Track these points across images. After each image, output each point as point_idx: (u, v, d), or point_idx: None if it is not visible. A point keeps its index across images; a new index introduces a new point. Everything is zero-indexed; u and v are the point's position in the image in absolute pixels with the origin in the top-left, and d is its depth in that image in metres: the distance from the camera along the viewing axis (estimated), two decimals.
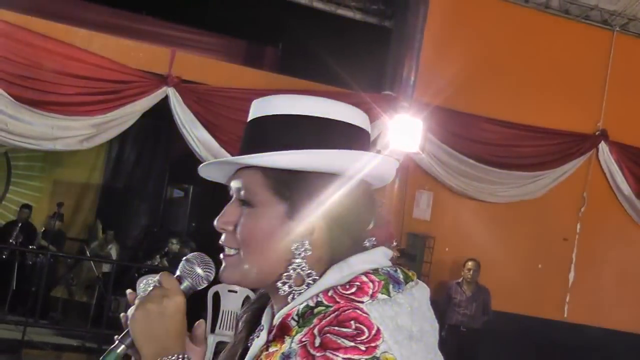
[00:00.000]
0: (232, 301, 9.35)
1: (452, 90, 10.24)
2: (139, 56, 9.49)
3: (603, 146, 11.16)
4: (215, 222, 1.42)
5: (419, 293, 1.34)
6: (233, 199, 1.43)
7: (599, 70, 11.28)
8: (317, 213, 1.35)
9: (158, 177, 14.05)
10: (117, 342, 1.39)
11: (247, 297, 9.11)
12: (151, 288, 1.38)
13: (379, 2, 10.83)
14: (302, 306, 1.32)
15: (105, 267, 11.93)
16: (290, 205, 1.36)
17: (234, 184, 1.43)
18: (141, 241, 13.35)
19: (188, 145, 9.44)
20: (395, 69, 10.10)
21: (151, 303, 1.36)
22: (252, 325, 1.50)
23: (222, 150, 9.36)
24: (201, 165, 1.49)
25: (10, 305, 11.72)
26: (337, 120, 1.39)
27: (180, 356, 1.34)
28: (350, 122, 1.41)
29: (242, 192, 1.40)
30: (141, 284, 1.40)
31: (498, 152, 10.53)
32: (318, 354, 1.21)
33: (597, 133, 11.17)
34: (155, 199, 13.90)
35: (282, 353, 1.28)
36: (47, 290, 11.44)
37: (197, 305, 11.12)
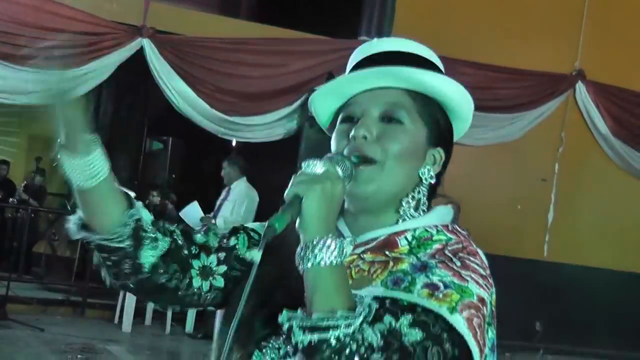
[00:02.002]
0: None
1: (428, 33, 10.18)
2: (112, 7, 9.38)
3: (580, 86, 11.19)
4: (353, 132, 1.45)
5: None
6: (367, 115, 1.47)
7: (575, 9, 11.26)
8: (444, 146, 1.51)
9: (137, 130, 13.99)
10: (283, 209, 1.34)
11: None
12: (321, 172, 1.37)
13: None
14: (419, 230, 1.43)
15: None
16: (429, 132, 1.49)
17: (370, 103, 1.48)
18: None
19: (166, 97, 9.39)
20: (371, 14, 10.06)
21: (330, 182, 1.35)
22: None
23: (200, 101, 9.30)
24: (349, 74, 1.52)
25: None
26: (441, 69, 1.57)
27: (342, 241, 1.33)
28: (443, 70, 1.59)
29: (388, 110, 1.47)
30: (309, 164, 1.38)
31: (474, 95, 10.15)
32: (463, 272, 1.33)
33: (574, 73, 11.18)
34: (134, 152, 13.86)
35: (411, 264, 1.37)
36: (29, 246, 11.45)
37: None
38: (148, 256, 1.47)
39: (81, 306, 9.93)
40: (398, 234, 1.43)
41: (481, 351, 1.29)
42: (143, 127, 13.86)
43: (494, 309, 1.37)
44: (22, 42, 8.87)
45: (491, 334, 1.36)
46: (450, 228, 1.45)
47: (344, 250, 1.32)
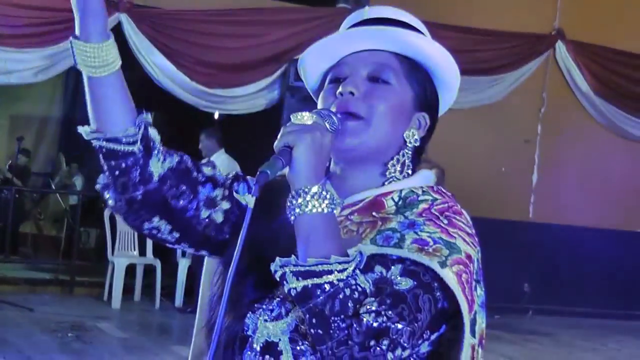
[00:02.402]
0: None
1: None
2: None
3: (560, 45, 11.19)
4: (340, 89, 1.47)
5: None
6: (355, 74, 1.49)
7: None
8: (428, 111, 1.53)
9: None
10: (274, 157, 1.35)
11: None
12: (310, 122, 1.37)
13: None
14: (405, 191, 1.45)
15: (72, 200, 11.89)
16: (416, 95, 1.51)
17: (358, 64, 1.49)
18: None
19: (145, 72, 9.33)
20: None
21: (317, 132, 1.36)
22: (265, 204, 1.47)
23: (180, 74, 9.24)
24: (339, 33, 1.53)
25: None
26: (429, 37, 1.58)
27: (328, 192, 1.33)
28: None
29: (376, 70, 1.49)
30: (297, 116, 1.38)
31: (455, 59, 10.51)
32: (451, 229, 1.36)
33: (553, 33, 11.18)
34: None
35: (399, 222, 1.39)
36: (15, 226, 11.41)
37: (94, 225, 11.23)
38: (157, 166, 1.45)
39: (69, 284, 9.93)
40: (384, 194, 1.45)
41: (470, 307, 1.31)
42: None
43: (481, 265, 1.39)
44: None
45: (480, 291, 1.38)
46: (435, 189, 1.46)
47: (335, 199, 1.33)
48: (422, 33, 1.54)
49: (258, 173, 1.32)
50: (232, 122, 10.79)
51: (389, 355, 1.23)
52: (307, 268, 1.26)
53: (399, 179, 1.49)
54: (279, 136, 1.37)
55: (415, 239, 1.33)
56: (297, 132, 1.35)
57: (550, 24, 11.21)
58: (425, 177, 1.51)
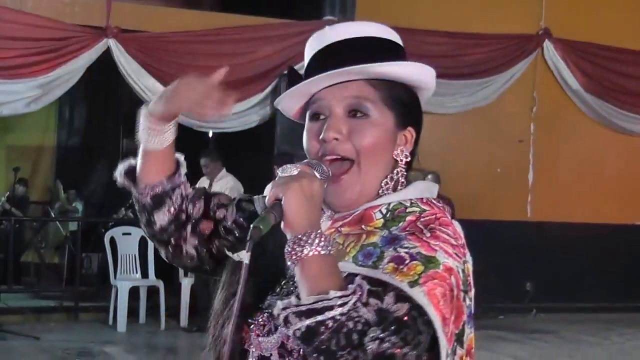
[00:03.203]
0: (129, 244, 9.48)
1: (391, 6, 10.24)
2: (74, 11, 9.34)
3: (547, 44, 11.25)
4: (323, 135, 1.49)
5: None
6: (333, 114, 1.50)
7: None
8: (412, 125, 1.54)
9: (112, 131, 13.96)
10: (266, 211, 1.40)
11: (142, 238, 9.25)
12: (296, 172, 1.42)
13: None
14: (393, 203, 1.46)
15: (72, 226, 11.91)
16: (396, 116, 1.51)
17: (334, 99, 1.50)
18: (103, 197, 13.33)
19: (137, 95, 9.39)
20: None
21: (306, 181, 1.40)
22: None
23: None
24: (308, 80, 1.53)
25: None
26: (400, 45, 1.57)
27: (322, 236, 1.37)
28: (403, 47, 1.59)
29: (353, 104, 1.49)
30: (285, 169, 1.44)
31: (444, 64, 10.53)
32: (433, 242, 1.37)
33: (540, 32, 11.24)
34: (112, 153, 13.83)
35: (382, 236, 1.41)
36: (17, 256, 11.43)
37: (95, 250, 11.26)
38: (160, 218, 1.61)
39: (74, 311, 9.95)
40: (373, 207, 1.47)
41: (444, 319, 1.31)
42: (118, 127, 13.83)
43: (469, 278, 1.40)
44: None
45: (468, 301, 1.39)
46: (425, 200, 1.47)
47: (331, 241, 1.39)
48: (389, 41, 1.54)
49: (251, 228, 1.36)
50: (228, 140, 10.81)
51: None
52: (308, 306, 1.28)
53: (390, 194, 1.51)
54: (268, 191, 1.42)
55: (392, 257, 1.35)
56: (285, 184, 1.38)
57: (536, 24, 11.28)
58: (419, 188, 1.51)
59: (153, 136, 1.58)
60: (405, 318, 1.28)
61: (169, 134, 1.59)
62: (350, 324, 1.26)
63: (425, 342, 1.31)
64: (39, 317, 9.77)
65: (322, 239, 1.35)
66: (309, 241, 1.34)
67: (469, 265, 1.41)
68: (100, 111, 13.94)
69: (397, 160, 1.51)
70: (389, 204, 1.46)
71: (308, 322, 1.28)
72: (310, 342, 1.28)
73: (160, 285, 9.21)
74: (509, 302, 10.95)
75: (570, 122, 11.56)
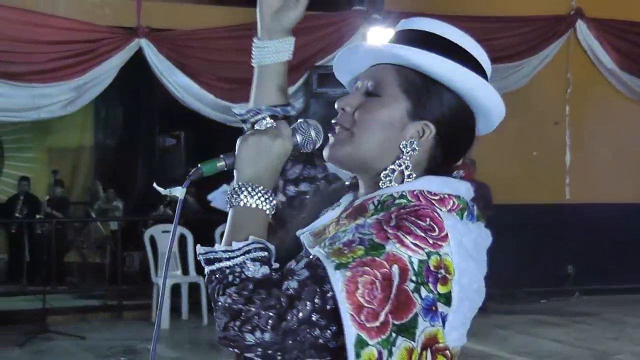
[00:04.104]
0: (168, 242, 9.50)
1: None
2: (105, 12, 9.44)
3: (580, 24, 11.14)
4: (336, 104, 1.55)
5: (486, 234, 1.51)
6: (355, 89, 1.57)
7: None
8: (432, 120, 1.50)
9: (148, 129, 14.07)
10: (220, 156, 1.49)
11: (182, 235, 9.30)
12: (269, 126, 1.50)
13: None
14: (385, 195, 1.46)
15: (113, 225, 12.05)
16: (412, 105, 1.50)
17: (364, 78, 1.56)
18: (142, 194, 13.46)
19: (170, 92, 9.46)
20: None
21: (266, 136, 1.47)
22: (321, 205, 1.62)
23: (204, 92, 9.37)
24: (339, 53, 1.62)
25: (28, 276, 11.93)
26: (470, 52, 1.54)
27: (269, 193, 1.45)
28: (477, 59, 1.55)
29: (371, 84, 1.53)
30: (261, 121, 1.53)
31: None
32: (390, 231, 1.35)
33: (572, 12, 11.12)
34: (148, 150, 13.96)
35: (356, 223, 1.42)
36: (60, 256, 11.59)
37: (136, 248, 11.36)
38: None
39: (118, 309, 10.08)
40: (370, 199, 1.48)
41: (360, 307, 1.28)
42: (154, 124, 13.94)
43: (434, 268, 1.34)
44: (22, 59, 8.98)
45: (426, 293, 1.33)
46: (415, 193, 1.45)
47: (269, 199, 1.44)
48: (440, 38, 1.53)
49: (194, 168, 1.47)
50: None
51: (248, 336, 1.31)
52: (205, 256, 1.39)
53: (392, 186, 1.50)
54: None
55: (346, 240, 1.36)
56: (245, 136, 1.48)
57: (568, 4, 11.17)
58: (426, 181, 1.48)
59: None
60: (297, 284, 1.32)
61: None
62: (230, 278, 1.34)
63: (302, 310, 1.30)
64: (83, 317, 9.91)
65: (262, 194, 1.43)
66: (248, 193, 1.43)
67: (439, 258, 1.35)
68: (136, 108, 14.06)
69: (402, 151, 1.49)
70: (382, 195, 1.47)
71: (207, 269, 1.38)
72: (208, 285, 1.38)
73: (201, 281, 9.28)
74: (550, 285, 10.90)
75: (606, 102, 11.44)
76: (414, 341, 1.32)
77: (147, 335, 8.84)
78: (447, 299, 1.36)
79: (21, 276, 11.99)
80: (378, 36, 9.48)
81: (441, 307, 1.35)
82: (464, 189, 1.50)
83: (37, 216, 12.15)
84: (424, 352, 1.34)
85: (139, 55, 9.26)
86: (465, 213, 1.46)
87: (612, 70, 11.25)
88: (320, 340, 1.33)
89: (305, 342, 1.32)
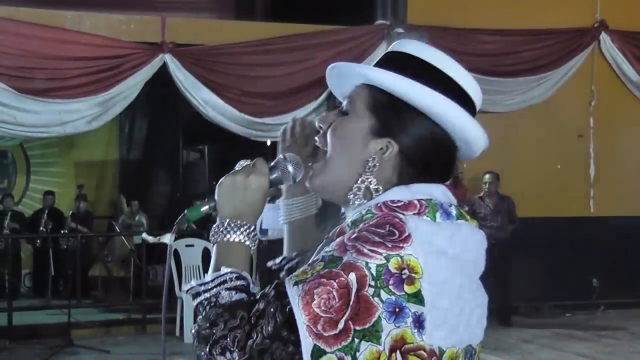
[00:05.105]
0: (191, 256, 9.57)
1: (444, 7, 10.22)
2: (130, 28, 9.53)
3: (604, 37, 11.11)
4: (316, 121, 1.63)
5: (468, 231, 1.48)
6: (332, 112, 1.62)
7: None
8: (394, 137, 1.51)
9: (172, 143, 14.14)
10: (204, 200, 1.57)
11: (205, 249, 9.32)
12: (238, 167, 1.57)
13: None
14: (355, 215, 1.49)
15: (137, 239, 12.11)
16: (377, 123, 1.52)
17: (345, 98, 1.60)
18: (166, 208, 13.52)
19: (194, 107, 9.53)
20: None
21: (240, 174, 1.54)
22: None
23: (228, 107, 9.42)
24: (327, 77, 1.66)
25: (53, 290, 12.01)
26: (449, 76, 1.53)
27: (250, 227, 1.51)
28: (463, 86, 1.54)
29: (345, 103, 1.58)
30: (239, 163, 1.59)
31: (499, 62, 10.50)
32: (349, 244, 1.38)
33: (596, 25, 11.10)
34: (172, 165, 14.03)
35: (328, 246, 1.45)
36: (85, 270, 11.65)
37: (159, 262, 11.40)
38: None
39: (142, 323, 10.11)
40: (347, 222, 1.51)
41: (316, 317, 1.31)
42: (178, 138, 14.02)
43: (395, 270, 1.34)
44: (48, 74, 9.07)
45: (387, 296, 1.33)
46: (379, 205, 1.47)
47: (249, 232, 1.50)
48: (411, 57, 1.54)
49: (181, 215, 1.56)
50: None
51: (220, 358, 1.36)
52: (189, 293, 1.46)
53: (362, 203, 1.52)
54: None
55: (311, 261, 1.42)
56: (223, 178, 1.54)
57: (591, 17, 11.14)
58: (390, 193, 1.50)
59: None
60: (261, 303, 1.37)
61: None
62: (207, 308, 1.41)
63: (264, 326, 1.34)
64: (107, 331, 9.96)
65: (242, 229, 1.50)
66: (228, 229, 1.49)
67: (400, 259, 1.35)
68: (160, 123, 14.14)
69: (365, 168, 1.51)
70: (355, 214, 1.50)
71: (194, 304, 1.45)
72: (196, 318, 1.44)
73: None
74: (575, 299, 10.82)
75: (630, 114, 11.40)
76: (379, 344, 1.33)
77: (171, 349, 8.85)
78: (417, 298, 1.35)
79: (46, 290, 12.06)
80: None
81: (414, 307, 1.35)
82: (438, 192, 1.50)
83: (62, 231, 12.24)
84: (393, 355, 1.34)
85: (163, 70, 9.34)
86: (438, 213, 1.45)
87: (636, 82, 11.20)
88: (297, 357, 1.34)
89: (281, 359, 1.35)
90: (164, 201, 13.97)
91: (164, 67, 9.33)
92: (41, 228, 12.41)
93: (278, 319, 1.34)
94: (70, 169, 14.21)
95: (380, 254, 1.35)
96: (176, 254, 9.58)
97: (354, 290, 1.32)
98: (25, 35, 9.00)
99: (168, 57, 9.27)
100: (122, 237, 12.43)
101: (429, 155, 1.52)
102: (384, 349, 1.33)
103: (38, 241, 12.61)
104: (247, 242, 1.50)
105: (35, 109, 8.95)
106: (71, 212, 12.50)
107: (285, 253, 1.81)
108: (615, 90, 11.24)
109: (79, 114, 9.14)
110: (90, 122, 9.26)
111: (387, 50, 1.60)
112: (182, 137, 13.98)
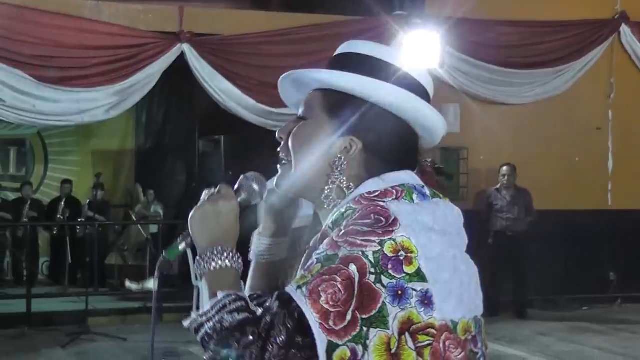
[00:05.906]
0: None
1: None
2: (148, 18, 9.55)
3: (624, 29, 11.03)
4: (276, 134, 1.63)
5: (446, 207, 1.52)
6: (291, 121, 1.62)
7: None
8: (356, 134, 1.53)
9: (188, 133, 14.14)
10: (178, 239, 1.58)
11: None
12: (204, 197, 1.56)
13: None
14: (336, 215, 1.51)
15: (153, 228, 12.15)
16: (336, 124, 1.54)
17: (300, 105, 1.62)
18: (182, 198, 13.54)
19: (211, 97, 9.53)
20: None
21: (208, 203, 1.53)
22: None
23: (245, 97, 9.43)
24: (279, 84, 1.66)
25: (70, 278, 12.08)
26: (400, 68, 1.58)
27: (232, 250, 1.51)
28: (414, 76, 1.59)
29: (301, 110, 1.60)
30: (205, 193, 1.58)
31: (518, 53, 10.45)
32: (340, 240, 1.40)
33: (616, 16, 11.02)
34: (189, 155, 14.04)
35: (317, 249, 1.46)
36: (101, 259, 11.70)
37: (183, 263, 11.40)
38: None
39: (158, 311, 10.14)
40: (327, 223, 1.53)
41: (326, 313, 1.33)
42: (194, 128, 14.02)
43: (392, 254, 1.37)
44: (67, 63, 9.10)
45: (388, 281, 1.36)
46: (357, 199, 1.49)
47: (231, 256, 1.50)
48: (365, 57, 1.58)
49: (160, 260, 1.58)
50: None
51: None
52: (189, 327, 1.48)
53: (338, 204, 1.54)
54: None
55: (306, 266, 1.42)
56: (192, 211, 1.54)
57: (612, 8, 11.06)
58: (362, 187, 1.52)
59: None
60: (268, 316, 1.37)
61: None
62: (215, 336, 1.41)
63: (276, 337, 1.35)
64: (124, 319, 10.00)
65: (223, 254, 1.49)
66: (209, 258, 1.50)
67: (394, 242, 1.38)
68: (176, 113, 14.15)
69: (332, 168, 1.53)
70: (334, 215, 1.51)
71: (198, 338, 1.46)
72: (205, 351, 1.44)
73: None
74: (592, 292, 10.78)
75: None
76: (388, 329, 1.35)
77: (187, 338, 8.88)
78: (419, 276, 1.38)
79: (63, 278, 12.12)
80: (418, 40, 9.45)
81: (418, 285, 1.37)
82: (406, 177, 1.54)
83: (79, 219, 12.29)
84: (403, 337, 1.35)
85: (181, 59, 9.35)
86: (414, 195, 1.49)
87: None
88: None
89: None
90: (180, 191, 13.99)
91: (181, 57, 9.35)
92: (59, 216, 12.48)
93: (289, 326, 1.35)
94: (87, 158, 14.27)
95: (374, 241, 1.38)
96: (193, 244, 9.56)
97: (356, 281, 1.35)
98: (44, 24, 9.02)
99: (186, 47, 9.29)
100: (139, 226, 12.47)
101: (393, 146, 1.56)
102: (393, 333, 1.35)
103: (55, 229, 12.67)
104: (234, 265, 1.49)
105: (54, 98, 8.99)
106: (88, 200, 12.54)
107: (247, 290, 1.71)
108: (635, 83, 11.17)
109: (97, 103, 9.17)
110: (109, 110, 9.28)
111: (335, 53, 1.63)
112: (198, 127, 13.98)
